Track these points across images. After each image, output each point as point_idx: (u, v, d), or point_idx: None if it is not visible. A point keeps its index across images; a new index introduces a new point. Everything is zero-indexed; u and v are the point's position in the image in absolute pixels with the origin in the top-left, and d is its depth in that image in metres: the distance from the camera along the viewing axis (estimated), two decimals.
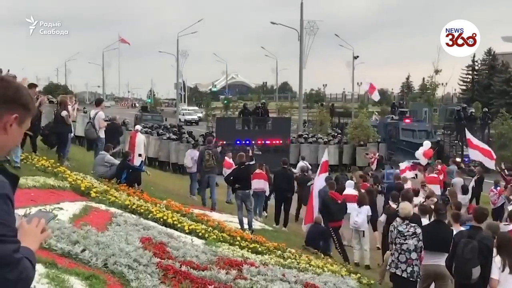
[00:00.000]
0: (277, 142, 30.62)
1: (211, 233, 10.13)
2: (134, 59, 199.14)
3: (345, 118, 46.45)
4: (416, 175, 21.48)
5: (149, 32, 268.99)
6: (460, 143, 34.38)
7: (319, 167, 15.27)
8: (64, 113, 13.93)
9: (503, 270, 7.24)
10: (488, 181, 20.57)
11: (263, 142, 30.43)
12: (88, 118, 16.18)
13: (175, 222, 10.09)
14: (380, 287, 10.27)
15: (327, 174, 15.71)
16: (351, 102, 62.26)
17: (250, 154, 18.99)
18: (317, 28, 47.61)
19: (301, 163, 20.81)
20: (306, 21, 45.62)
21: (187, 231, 9.88)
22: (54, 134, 14.14)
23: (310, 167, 21.88)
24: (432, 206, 10.89)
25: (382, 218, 13.16)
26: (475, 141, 20.33)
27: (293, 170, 18.92)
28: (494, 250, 7.46)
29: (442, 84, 56.95)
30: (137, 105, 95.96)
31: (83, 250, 6.05)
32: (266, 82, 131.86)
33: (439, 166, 21.26)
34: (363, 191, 15.92)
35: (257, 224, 14.86)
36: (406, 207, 9.05)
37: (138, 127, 19.60)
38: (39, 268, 5.10)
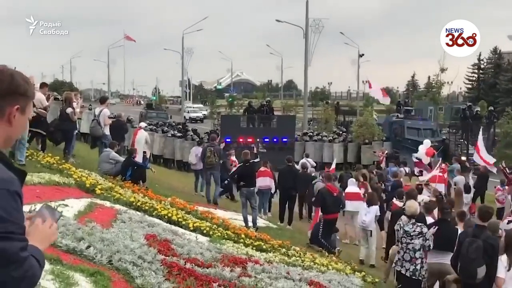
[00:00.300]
0: (283, 140, 30.56)
1: (216, 231, 10.13)
2: (139, 56, 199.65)
3: (350, 116, 46.36)
4: (421, 172, 21.43)
5: (155, 30, 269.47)
6: (466, 142, 34.27)
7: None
8: (69, 110, 13.95)
9: (509, 269, 7.23)
10: (492, 180, 20.53)
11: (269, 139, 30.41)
12: (93, 116, 16.21)
13: (179, 220, 10.10)
14: (384, 285, 10.25)
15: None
16: (356, 100, 62.15)
17: (255, 151, 18.99)
18: (322, 26, 47.48)
19: (302, 160, 20.80)
20: (311, 19, 45.54)
21: (191, 228, 9.89)
22: (59, 131, 14.16)
23: (314, 164, 21.88)
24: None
25: (387, 215, 13.15)
26: (481, 147, 20.28)
27: (296, 167, 18.91)
28: (500, 248, 7.43)
29: (448, 82, 56.79)
30: (142, 102, 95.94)
31: (88, 247, 6.06)
32: (271, 80, 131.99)
33: (443, 165, 21.21)
34: (370, 190, 15.88)
35: (261, 222, 14.88)
36: (412, 205, 9.03)
37: (142, 124, 19.61)
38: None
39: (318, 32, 47.04)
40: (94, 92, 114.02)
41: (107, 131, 15.31)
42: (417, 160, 22.46)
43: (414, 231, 8.55)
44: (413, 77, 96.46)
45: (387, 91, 47.98)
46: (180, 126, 34.28)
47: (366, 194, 14.63)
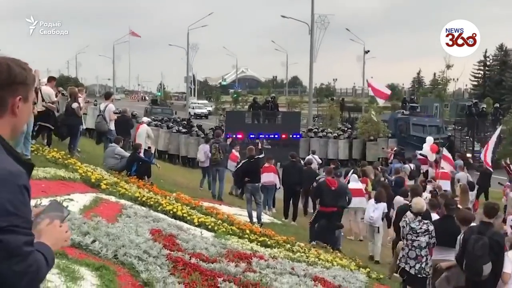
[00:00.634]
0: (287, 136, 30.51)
1: (221, 226, 10.14)
2: (144, 52, 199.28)
3: (355, 112, 46.28)
4: (427, 170, 21.42)
5: (160, 25, 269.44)
6: (471, 139, 34.17)
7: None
8: (75, 105, 13.98)
9: None
10: (495, 177, 20.43)
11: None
12: (99, 111, 16.24)
13: (184, 215, 10.12)
14: (389, 282, 10.24)
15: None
16: (361, 96, 62.01)
17: (259, 147, 18.99)
18: (328, 22, 47.33)
19: (308, 156, 20.83)
20: (317, 15, 45.38)
21: (196, 223, 9.91)
22: (64, 126, 14.19)
23: (320, 161, 21.86)
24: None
25: (391, 212, 13.12)
26: (491, 145, 20.17)
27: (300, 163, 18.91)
28: (506, 245, 7.40)
29: (453, 79, 56.60)
30: (147, 98, 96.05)
31: (94, 241, 6.07)
32: (276, 76, 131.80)
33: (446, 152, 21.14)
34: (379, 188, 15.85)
35: (266, 218, 14.89)
36: (419, 203, 9.01)
37: (145, 119, 19.61)
38: None
39: (324, 28, 46.90)
40: (99, 87, 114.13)
41: (112, 126, 15.34)
42: (421, 157, 22.44)
43: (421, 228, 8.53)
44: (418, 73, 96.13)
45: (391, 88, 47.76)
46: (185, 122, 34.31)
47: (373, 191, 14.61)
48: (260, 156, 15.82)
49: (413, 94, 62.13)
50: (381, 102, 35.60)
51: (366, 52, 55.57)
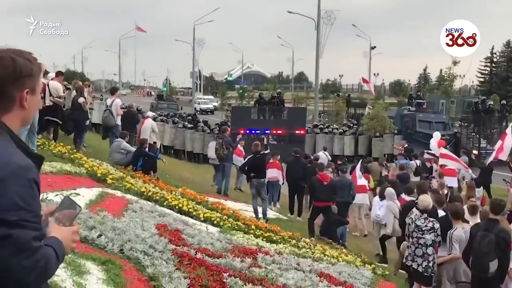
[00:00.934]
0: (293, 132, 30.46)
1: (226, 221, 10.15)
2: (150, 47, 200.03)
3: (361, 108, 46.12)
4: (431, 166, 21.32)
5: (166, 21, 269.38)
6: (477, 135, 34.03)
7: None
8: (81, 99, 14.00)
9: None
10: (495, 173, 20.33)
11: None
12: (105, 106, 16.27)
13: (190, 210, 10.13)
14: (395, 278, 10.22)
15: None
16: (367, 93, 61.87)
17: (265, 143, 18.96)
18: (334, 18, 47.33)
19: (319, 153, 20.93)
20: (323, 11, 45.38)
21: (202, 219, 9.92)
22: (70, 120, 14.22)
23: (330, 158, 21.87)
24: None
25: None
26: (507, 140, 19.99)
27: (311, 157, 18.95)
28: None
29: (460, 76, 56.46)
30: (153, 93, 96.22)
31: (100, 236, 6.08)
32: (282, 72, 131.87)
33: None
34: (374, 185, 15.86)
35: (271, 213, 14.89)
36: (425, 200, 8.96)
37: (149, 113, 19.60)
38: None
39: (330, 24, 46.94)
40: (105, 82, 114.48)
41: (119, 121, 15.37)
42: (430, 157, 22.30)
43: (426, 226, 8.49)
44: (425, 70, 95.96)
45: (396, 84, 47.64)
46: (191, 117, 34.32)
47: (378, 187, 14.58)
48: (266, 151, 15.77)
49: (420, 91, 61.79)
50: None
51: (373, 48, 55.50)
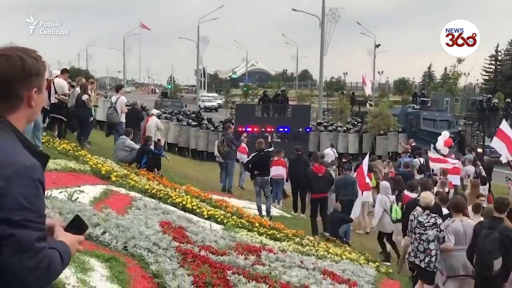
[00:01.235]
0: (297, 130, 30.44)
1: (230, 219, 10.16)
2: (155, 45, 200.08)
3: (365, 106, 46.10)
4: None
5: (170, 18, 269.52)
6: (482, 134, 33.94)
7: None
8: (85, 97, 14.02)
9: None
10: (496, 171, 20.27)
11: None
12: (110, 103, 16.31)
13: (194, 207, 10.14)
14: (398, 276, 10.22)
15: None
16: (371, 90, 61.75)
17: (269, 140, 18.98)
18: (338, 16, 47.23)
19: (326, 150, 20.97)
20: (327, 8, 45.26)
21: (206, 216, 9.93)
22: (74, 117, 14.26)
23: (337, 155, 21.90)
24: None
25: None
26: (507, 131, 19.92)
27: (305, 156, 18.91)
28: None
29: (465, 74, 56.27)
30: (157, 91, 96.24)
31: (104, 233, 6.08)
32: (286, 70, 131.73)
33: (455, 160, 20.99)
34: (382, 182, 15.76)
35: (275, 211, 14.90)
36: (427, 197, 8.96)
37: (154, 111, 19.61)
38: None
39: (334, 22, 46.84)
40: (109, 80, 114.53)
41: (123, 119, 15.40)
42: (434, 157, 22.22)
43: (428, 221, 8.50)
44: (429, 68, 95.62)
45: (401, 82, 47.59)
46: (195, 115, 34.34)
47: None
48: (270, 149, 15.78)
49: (424, 89, 61.67)
50: (367, 91, 35.52)
51: (377, 46, 55.40)
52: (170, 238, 6.61)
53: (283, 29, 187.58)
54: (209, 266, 6.05)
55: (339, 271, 8.08)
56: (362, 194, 14.10)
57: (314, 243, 10.34)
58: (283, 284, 6.37)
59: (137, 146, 14.34)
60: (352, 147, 31.57)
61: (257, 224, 10.45)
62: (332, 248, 10.29)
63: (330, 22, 46.33)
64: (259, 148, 14.41)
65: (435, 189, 13.55)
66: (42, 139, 11.85)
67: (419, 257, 8.51)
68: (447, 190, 14.46)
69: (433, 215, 8.65)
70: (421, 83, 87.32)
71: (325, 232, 12.73)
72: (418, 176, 18.05)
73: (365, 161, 15.22)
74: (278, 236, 10.14)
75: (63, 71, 14.74)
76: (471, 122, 37.29)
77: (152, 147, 15.20)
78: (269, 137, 24.55)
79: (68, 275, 4.58)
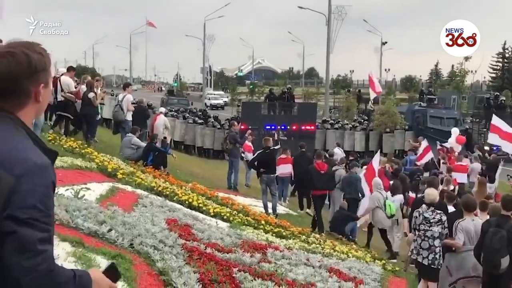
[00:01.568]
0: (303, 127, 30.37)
1: (236, 217, 10.16)
2: (161, 43, 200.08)
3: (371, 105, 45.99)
4: (440, 160, 21.18)
5: (176, 16, 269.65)
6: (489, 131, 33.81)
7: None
8: (91, 94, 14.04)
9: None
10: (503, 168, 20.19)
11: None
12: (116, 101, 16.34)
13: (200, 205, 10.15)
14: (404, 274, 10.20)
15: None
16: (380, 88, 61.58)
17: (275, 138, 18.97)
18: (345, 13, 47.23)
19: (334, 149, 20.99)
20: (334, 6, 45.23)
21: (212, 214, 9.93)
22: (81, 115, 14.28)
23: (344, 155, 21.85)
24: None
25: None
26: (498, 124, 19.89)
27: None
28: None
29: (472, 71, 56.03)
30: (163, 88, 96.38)
31: (110, 230, 6.09)
32: (292, 68, 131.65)
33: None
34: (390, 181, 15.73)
35: (281, 209, 14.89)
36: (431, 193, 8.93)
37: (162, 109, 19.62)
38: (66, 247, 5.16)
39: (341, 19, 46.84)
40: (116, 78, 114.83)
41: (129, 116, 15.41)
42: (440, 147, 22.21)
43: (434, 218, 8.47)
44: (436, 65, 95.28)
45: (408, 80, 47.50)
46: (201, 113, 34.35)
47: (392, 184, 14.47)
48: (276, 147, 15.75)
49: (431, 86, 61.38)
50: (372, 95, 35.46)
51: (384, 43, 55.34)
52: (176, 235, 6.62)
53: (289, 26, 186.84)
54: (215, 263, 6.05)
55: (345, 269, 8.07)
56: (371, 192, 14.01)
57: (320, 241, 10.33)
58: (289, 282, 6.37)
59: (144, 144, 14.36)
60: (359, 145, 31.52)
61: (263, 222, 10.44)
62: (338, 246, 10.28)
63: (336, 20, 46.34)
64: (265, 145, 14.40)
65: (440, 187, 13.53)
66: (49, 136, 11.88)
67: (421, 254, 8.48)
68: (452, 187, 14.41)
69: (438, 211, 8.63)
70: (428, 81, 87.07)
71: (330, 231, 12.72)
72: (424, 174, 18.01)
73: (375, 159, 15.11)
74: (284, 233, 10.14)
75: (70, 69, 14.78)
76: (478, 119, 37.14)
77: (158, 145, 15.23)
78: (276, 135, 24.55)
79: None
